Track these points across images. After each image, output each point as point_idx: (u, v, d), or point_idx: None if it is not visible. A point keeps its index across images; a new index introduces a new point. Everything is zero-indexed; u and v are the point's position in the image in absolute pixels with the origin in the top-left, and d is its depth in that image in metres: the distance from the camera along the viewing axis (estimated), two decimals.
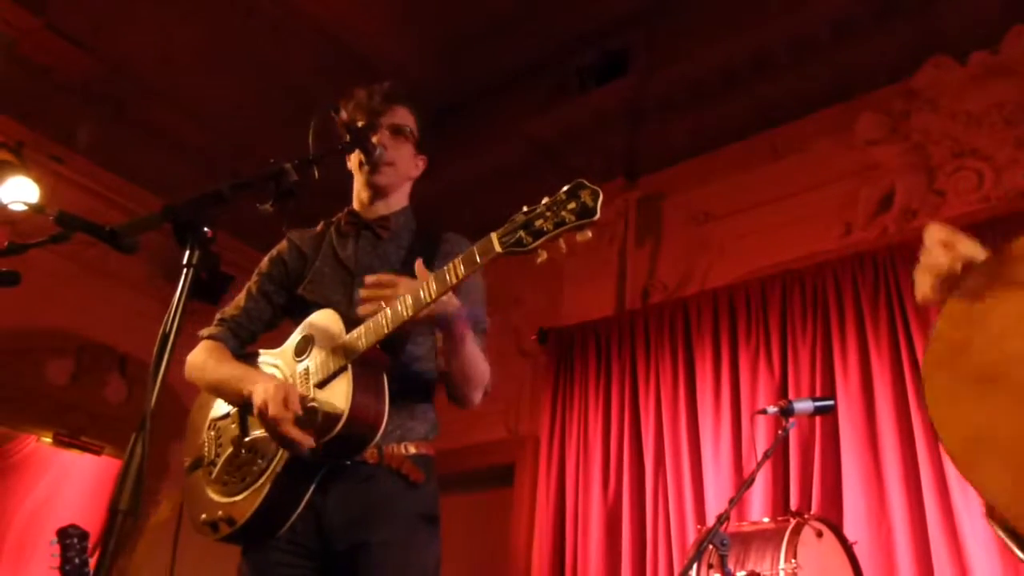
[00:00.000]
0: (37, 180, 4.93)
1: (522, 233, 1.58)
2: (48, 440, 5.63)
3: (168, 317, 1.36)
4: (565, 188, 1.56)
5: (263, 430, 1.82)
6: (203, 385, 2.02)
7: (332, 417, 1.73)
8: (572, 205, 1.54)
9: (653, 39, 5.48)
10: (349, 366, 1.77)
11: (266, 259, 2.16)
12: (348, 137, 2.00)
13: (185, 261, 1.43)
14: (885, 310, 3.82)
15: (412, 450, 1.91)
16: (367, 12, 5.68)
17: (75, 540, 2.98)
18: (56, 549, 2.96)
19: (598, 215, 1.52)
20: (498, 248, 1.60)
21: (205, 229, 1.44)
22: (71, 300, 5.37)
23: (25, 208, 4.39)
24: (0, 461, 7.61)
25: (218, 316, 2.10)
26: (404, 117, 2.11)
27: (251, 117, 5.85)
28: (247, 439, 1.90)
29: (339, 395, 1.75)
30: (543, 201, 1.58)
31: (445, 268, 1.68)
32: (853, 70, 4.57)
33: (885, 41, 4.50)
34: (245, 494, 1.82)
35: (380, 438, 1.81)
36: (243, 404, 1.86)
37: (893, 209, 4.22)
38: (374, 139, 2.03)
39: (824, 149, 4.54)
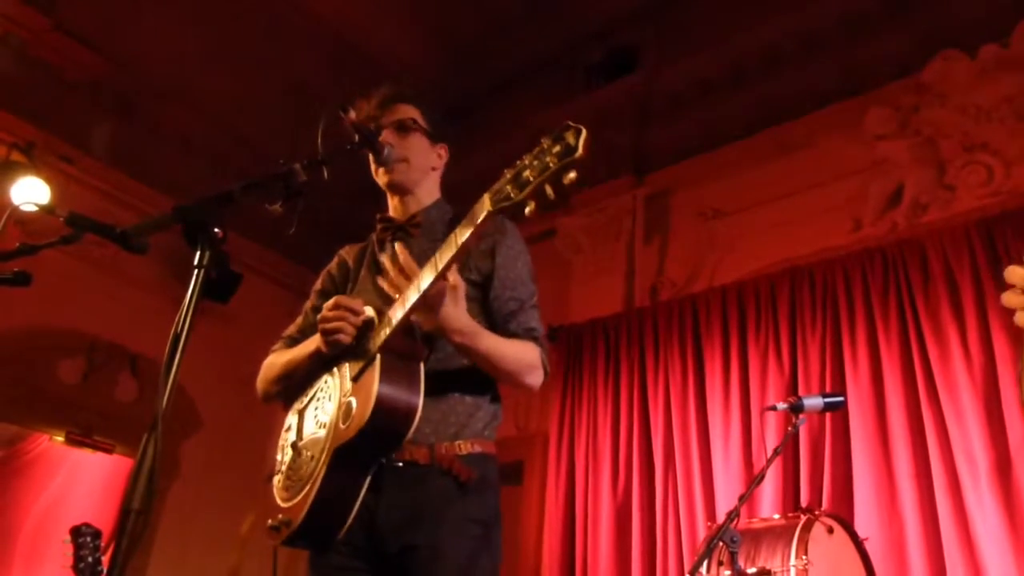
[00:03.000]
0: (48, 180, 4.95)
1: (509, 187, 1.56)
2: (60, 439, 5.65)
3: (179, 317, 1.37)
4: (549, 134, 1.53)
5: (315, 430, 1.86)
6: (276, 375, 2.05)
7: (361, 408, 1.73)
8: (556, 148, 1.52)
9: (661, 36, 5.47)
10: (377, 356, 1.75)
11: (319, 277, 2.22)
12: (357, 137, 2.00)
13: (195, 262, 1.43)
14: (895, 306, 3.81)
15: (466, 448, 1.87)
16: (375, 11, 5.69)
17: (88, 539, 2.99)
18: (69, 548, 2.97)
19: (580, 152, 1.48)
20: (488, 206, 1.59)
21: (215, 230, 1.44)
22: (82, 300, 5.40)
23: (36, 209, 4.41)
24: (12, 460, 7.65)
25: (281, 336, 2.19)
26: (406, 112, 2.10)
27: (260, 116, 5.87)
28: (301, 442, 1.90)
29: (366, 386, 1.74)
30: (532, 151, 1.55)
31: (449, 236, 1.67)
32: (862, 65, 4.56)
33: (894, 35, 4.49)
34: (300, 496, 1.81)
35: (433, 436, 1.82)
36: (318, 356, 1.91)
37: (903, 204, 4.20)
38: (380, 141, 2.04)
39: (833, 144, 4.53)
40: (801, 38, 4.79)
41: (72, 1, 5.28)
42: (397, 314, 1.75)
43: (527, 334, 1.95)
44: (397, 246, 1.84)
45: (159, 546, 5.42)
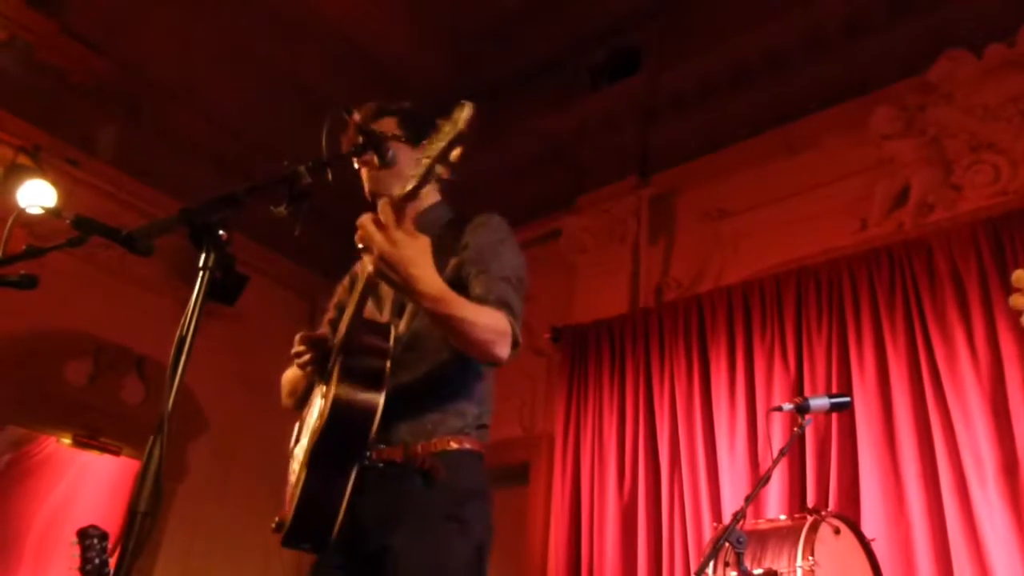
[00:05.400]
0: (54, 183, 4.97)
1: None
2: (67, 441, 5.67)
3: (185, 319, 1.37)
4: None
5: (305, 436, 1.95)
6: (287, 389, 2.17)
7: (322, 410, 1.78)
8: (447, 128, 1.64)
9: (665, 36, 5.47)
10: (341, 355, 1.81)
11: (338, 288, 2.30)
12: (362, 139, 2.00)
13: (201, 264, 1.44)
14: (901, 306, 3.80)
15: (440, 446, 1.86)
16: (380, 12, 5.70)
17: (95, 540, 2.99)
18: (76, 549, 2.98)
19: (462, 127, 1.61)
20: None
21: (221, 232, 1.45)
22: (88, 302, 5.41)
23: (42, 211, 4.42)
24: (20, 462, 7.67)
25: None
26: (388, 126, 2.09)
27: (266, 118, 5.88)
28: (295, 448, 2.00)
29: (331, 386, 1.79)
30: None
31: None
32: (867, 64, 4.55)
33: (899, 34, 4.47)
34: (292, 498, 1.88)
35: (409, 435, 1.85)
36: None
37: (909, 204, 4.19)
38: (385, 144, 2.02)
39: (839, 144, 4.52)
40: (805, 37, 4.77)
41: (78, 4, 5.30)
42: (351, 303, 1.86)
43: (498, 304, 1.83)
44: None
45: (166, 548, 5.43)
